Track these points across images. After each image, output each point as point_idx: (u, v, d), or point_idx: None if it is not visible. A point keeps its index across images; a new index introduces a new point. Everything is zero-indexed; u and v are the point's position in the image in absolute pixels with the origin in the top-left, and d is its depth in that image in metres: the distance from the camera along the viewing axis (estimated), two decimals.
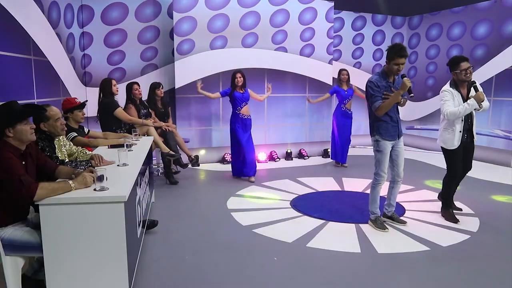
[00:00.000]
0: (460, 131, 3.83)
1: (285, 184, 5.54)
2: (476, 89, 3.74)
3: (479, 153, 7.08)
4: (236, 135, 5.63)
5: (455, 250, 3.39)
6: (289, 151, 7.37)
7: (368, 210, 3.94)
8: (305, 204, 4.60)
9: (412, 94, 3.53)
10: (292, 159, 7.31)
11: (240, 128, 5.61)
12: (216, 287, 2.76)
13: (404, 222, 3.92)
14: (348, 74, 6.46)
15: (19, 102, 2.33)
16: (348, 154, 6.78)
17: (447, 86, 3.88)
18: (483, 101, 3.70)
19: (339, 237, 3.66)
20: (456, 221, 3.97)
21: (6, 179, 2.09)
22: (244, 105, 5.61)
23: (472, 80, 3.82)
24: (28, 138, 2.28)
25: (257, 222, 4.00)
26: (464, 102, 3.76)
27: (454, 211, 4.16)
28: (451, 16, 7.92)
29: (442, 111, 3.87)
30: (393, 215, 3.97)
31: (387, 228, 3.77)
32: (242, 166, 5.69)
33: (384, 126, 3.66)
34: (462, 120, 3.83)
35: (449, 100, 3.78)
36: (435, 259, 3.20)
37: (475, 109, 3.81)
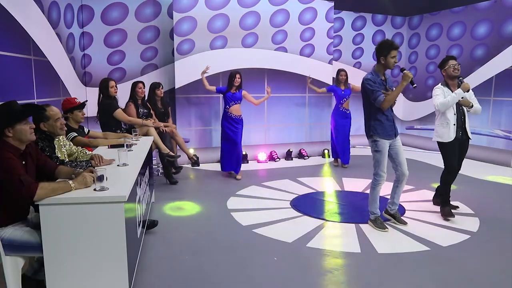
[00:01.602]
0: (454, 124, 3.98)
1: (285, 184, 5.54)
2: (462, 82, 4.00)
3: (479, 153, 7.11)
4: (223, 132, 5.82)
5: (455, 250, 3.39)
6: (291, 150, 7.37)
7: (368, 210, 3.94)
8: (305, 204, 4.60)
9: (415, 85, 3.72)
10: (292, 159, 7.31)
11: (226, 126, 5.75)
12: (216, 287, 2.76)
13: (405, 223, 3.91)
14: (346, 75, 6.47)
15: (19, 102, 2.33)
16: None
17: (438, 85, 4.11)
18: (468, 90, 3.93)
19: (339, 237, 3.66)
20: (452, 215, 4.04)
21: (6, 179, 2.09)
22: (233, 105, 5.69)
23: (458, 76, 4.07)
24: (27, 138, 2.28)
25: (257, 222, 4.00)
26: None
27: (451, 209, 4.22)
28: (451, 16, 7.92)
29: (433, 105, 4.03)
30: (395, 214, 3.95)
31: (387, 228, 3.78)
32: (228, 162, 5.86)
33: (381, 125, 3.69)
34: (455, 114, 3.99)
35: (439, 95, 3.99)
36: (435, 259, 3.20)
37: (467, 110, 4.02)
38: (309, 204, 4.60)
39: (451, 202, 4.30)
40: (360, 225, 3.93)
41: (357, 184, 5.54)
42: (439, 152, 4.18)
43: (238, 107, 5.73)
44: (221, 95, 5.99)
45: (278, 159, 7.22)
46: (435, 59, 8.32)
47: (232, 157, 5.83)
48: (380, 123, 3.69)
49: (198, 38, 6.54)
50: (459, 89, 3.90)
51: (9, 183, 2.09)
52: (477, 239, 3.61)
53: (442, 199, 4.19)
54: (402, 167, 3.79)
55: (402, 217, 4.03)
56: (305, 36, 7.31)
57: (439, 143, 4.08)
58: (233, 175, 5.93)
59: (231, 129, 5.75)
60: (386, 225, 3.82)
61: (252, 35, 6.91)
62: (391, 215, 3.97)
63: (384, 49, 3.60)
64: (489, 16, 7.17)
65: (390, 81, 3.80)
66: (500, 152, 6.94)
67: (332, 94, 6.66)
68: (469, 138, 4.10)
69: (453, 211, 4.18)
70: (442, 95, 3.96)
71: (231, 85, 5.63)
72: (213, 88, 5.78)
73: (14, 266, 2.24)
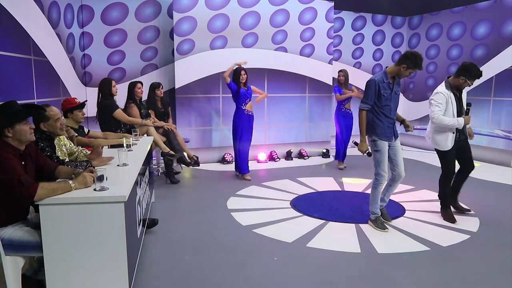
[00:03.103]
0: (453, 132, 3.87)
1: (285, 184, 5.54)
2: (467, 112, 3.88)
3: (479, 153, 7.12)
4: (240, 133, 5.66)
5: (455, 250, 3.39)
6: (291, 150, 7.37)
7: (368, 210, 3.95)
8: (305, 204, 4.60)
9: (369, 155, 3.81)
10: (292, 159, 7.31)
11: (244, 124, 5.65)
12: (216, 287, 2.76)
13: (389, 219, 3.98)
14: (344, 75, 6.39)
15: (19, 102, 2.33)
16: (347, 154, 6.79)
17: (443, 88, 3.86)
18: (468, 123, 3.89)
19: (339, 237, 3.66)
20: (453, 221, 3.98)
21: (6, 179, 2.09)
22: (248, 101, 5.67)
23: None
24: (27, 138, 2.28)
25: (257, 222, 4.00)
26: (455, 102, 3.83)
27: (462, 211, 4.19)
28: (451, 16, 7.92)
29: (430, 111, 3.86)
30: (382, 209, 3.96)
31: (387, 228, 3.78)
32: (244, 163, 5.77)
33: (381, 126, 3.68)
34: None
35: (441, 104, 3.78)
36: (435, 259, 3.20)
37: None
38: (309, 204, 4.60)
39: (462, 205, 4.30)
40: (360, 225, 3.93)
41: (357, 184, 5.54)
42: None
43: (251, 103, 5.72)
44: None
45: (278, 159, 7.22)
46: (435, 59, 8.33)
47: (246, 157, 5.79)
48: (380, 123, 3.68)
49: (198, 38, 6.54)
50: (462, 119, 3.78)
51: (9, 183, 2.09)
52: (477, 239, 3.61)
53: (441, 202, 4.14)
54: (399, 168, 3.81)
55: (401, 217, 4.02)
56: (305, 36, 7.31)
57: (436, 150, 4.01)
58: (239, 176, 5.86)
59: (248, 127, 5.70)
60: (387, 226, 3.82)
61: (252, 35, 6.91)
62: None
63: (411, 64, 3.51)
64: (489, 16, 7.17)
65: (397, 86, 3.74)
66: (500, 152, 6.94)
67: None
68: (467, 137, 4.05)
69: (455, 211, 4.20)
70: (444, 105, 3.77)
71: (238, 82, 5.57)
72: (229, 79, 5.55)
73: (14, 266, 2.24)
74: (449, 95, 3.82)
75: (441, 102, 3.78)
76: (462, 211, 4.26)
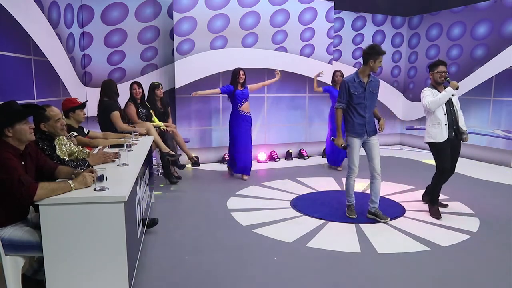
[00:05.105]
0: (446, 124, 4.02)
1: (285, 184, 5.54)
2: (449, 81, 4.07)
3: (479, 153, 7.12)
4: (234, 133, 5.69)
5: (455, 250, 3.39)
6: (291, 151, 7.37)
7: (367, 210, 4.08)
8: (305, 204, 4.60)
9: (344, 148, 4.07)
10: (292, 159, 7.31)
11: (239, 126, 5.64)
12: (216, 287, 2.76)
13: (386, 218, 3.99)
14: (342, 76, 6.37)
15: (19, 102, 2.33)
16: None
17: (426, 87, 4.19)
18: (457, 88, 4.00)
19: (339, 237, 3.66)
20: (439, 217, 4.09)
21: (6, 179, 2.09)
22: (244, 102, 5.64)
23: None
24: (27, 138, 2.28)
25: (257, 222, 4.00)
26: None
27: (440, 207, 4.28)
28: (451, 16, 7.92)
29: (423, 105, 4.09)
30: (376, 211, 4.04)
31: (355, 216, 4.07)
32: (237, 164, 5.75)
33: (351, 123, 3.93)
34: (445, 114, 4.04)
35: (429, 96, 4.06)
36: (435, 259, 3.20)
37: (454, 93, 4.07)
38: (309, 204, 4.60)
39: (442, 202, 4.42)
40: (360, 225, 3.93)
41: (357, 184, 5.50)
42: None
43: (248, 104, 5.69)
44: (224, 95, 5.90)
45: (278, 159, 7.22)
46: (435, 59, 8.31)
47: (245, 159, 5.71)
48: (351, 120, 3.93)
49: (198, 38, 6.54)
50: (448, 87, 3.99)
51: (9, 183, 2.09)
52: (477, 239, 3.61)
53: (431, 198, 4.25)
54: (374, 163, 3.95)
55: (401, 217, 4.06)
56: (305, 36, 7.31)
57: (432, 144, 4.11)
58: (237, 176, 5.88)
59: (245, 129, 5.65)
60: (355, 214, 4.10)
61: (252, 35, 6.91)
62: (372, 213, 4.06)
63: (375, 53, 3.76)
64: (489, 16, 7.17)
65: (373, 84, 3.93)
66: (500, 152, 6.94)
67: (329, 95, 6.62)
68: (463, 133, 4.08)
69: (449, 210, 4.27)
70: (431, 96, 4.04)
71: (235, 82, 5.56)
72: (217, 90, 5.66)
73: (14, 266, 2.24)
74: (433, 91, 4.09)
75: (428, 94, 4.08)
76: (442, 206, 4.41)
